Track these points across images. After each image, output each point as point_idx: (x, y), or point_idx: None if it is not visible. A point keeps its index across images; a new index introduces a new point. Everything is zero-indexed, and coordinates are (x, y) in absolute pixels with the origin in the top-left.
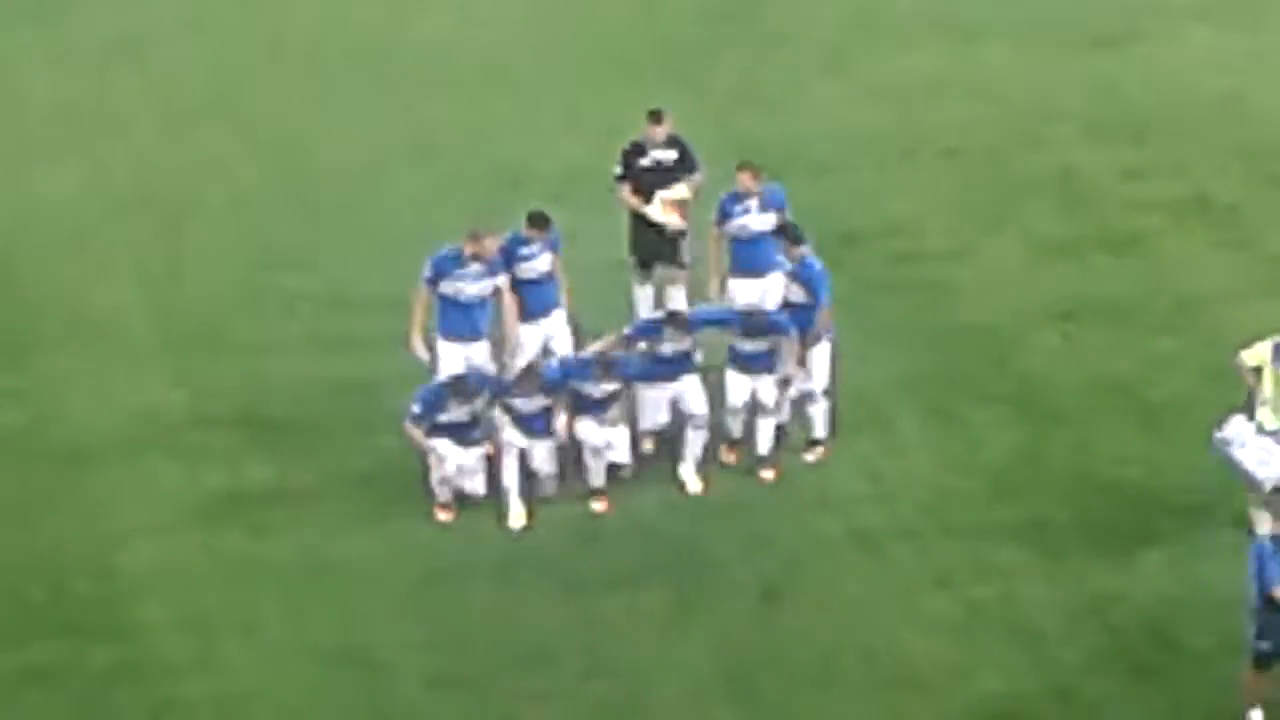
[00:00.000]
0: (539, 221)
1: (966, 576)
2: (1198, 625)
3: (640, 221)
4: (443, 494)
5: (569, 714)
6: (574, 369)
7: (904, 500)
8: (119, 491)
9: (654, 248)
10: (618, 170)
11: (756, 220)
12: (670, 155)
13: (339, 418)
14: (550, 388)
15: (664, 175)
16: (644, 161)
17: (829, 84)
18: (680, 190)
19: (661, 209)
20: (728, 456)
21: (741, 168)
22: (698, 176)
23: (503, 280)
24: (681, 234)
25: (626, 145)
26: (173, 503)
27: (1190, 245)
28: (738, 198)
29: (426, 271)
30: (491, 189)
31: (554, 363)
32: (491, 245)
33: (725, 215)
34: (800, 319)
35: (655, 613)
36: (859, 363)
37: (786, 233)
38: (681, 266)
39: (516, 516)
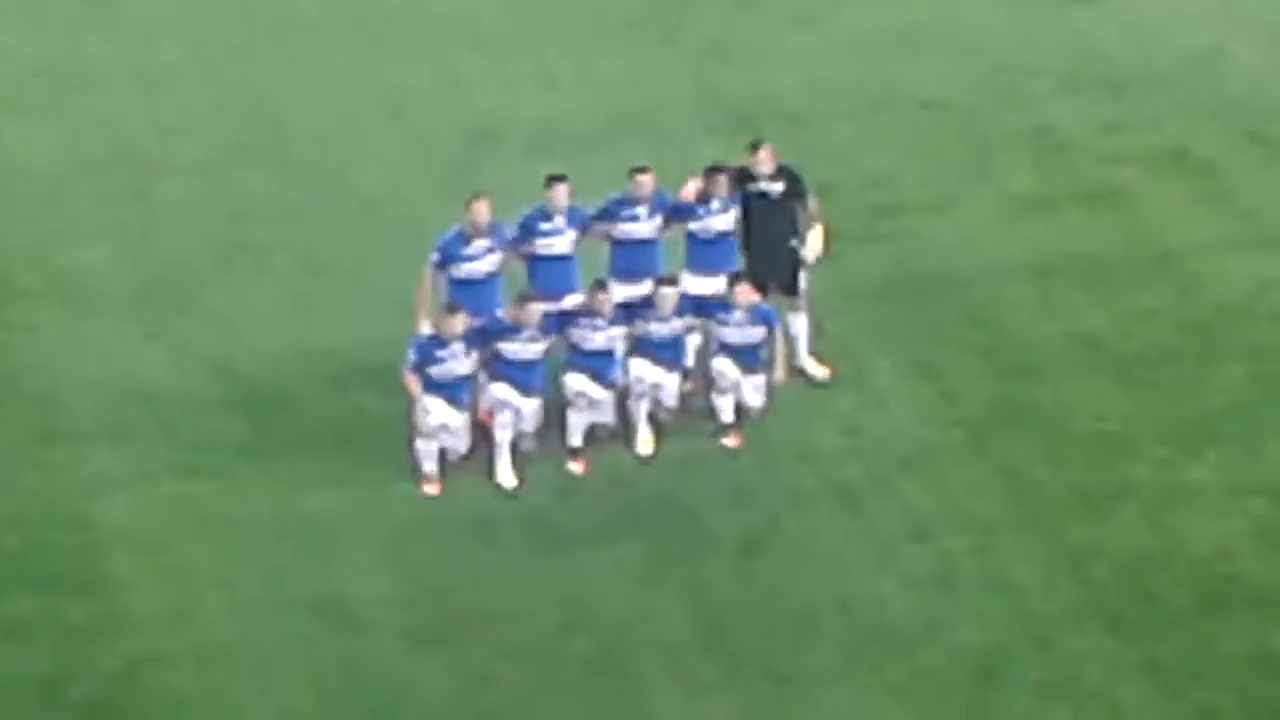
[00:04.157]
0: (560, 180)
1: (944, 529)
2: (1174, 578)
3: (759, 244)
4: (428, 466)
5: (547, 670)
6: (570, 317)
7: (881, 454)
8: (93, 444)
9: (770, 273)
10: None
11: (645, 226)
12: (777, 188)
13: (313, 375)
14: (547, 329)
15: (770, 207)
16: (751, 188)
17: (804, 37)
18: (816, 241)
19: (814, 250)
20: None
21: (642, 170)
22: (812, 204)
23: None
24: (801, 264)
25: (734, 169)
26: (147, 455)
27: (1167, 199)
28: (626, 202)
29: (433, 256)
30: (465, 145)
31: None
32: (481, 209)
33: (610, 217)
34: (733, 245)
35: (634, 567)
36: (836, 316)
37: (719, 171)
38: (797, 294)
39: (506, 476)
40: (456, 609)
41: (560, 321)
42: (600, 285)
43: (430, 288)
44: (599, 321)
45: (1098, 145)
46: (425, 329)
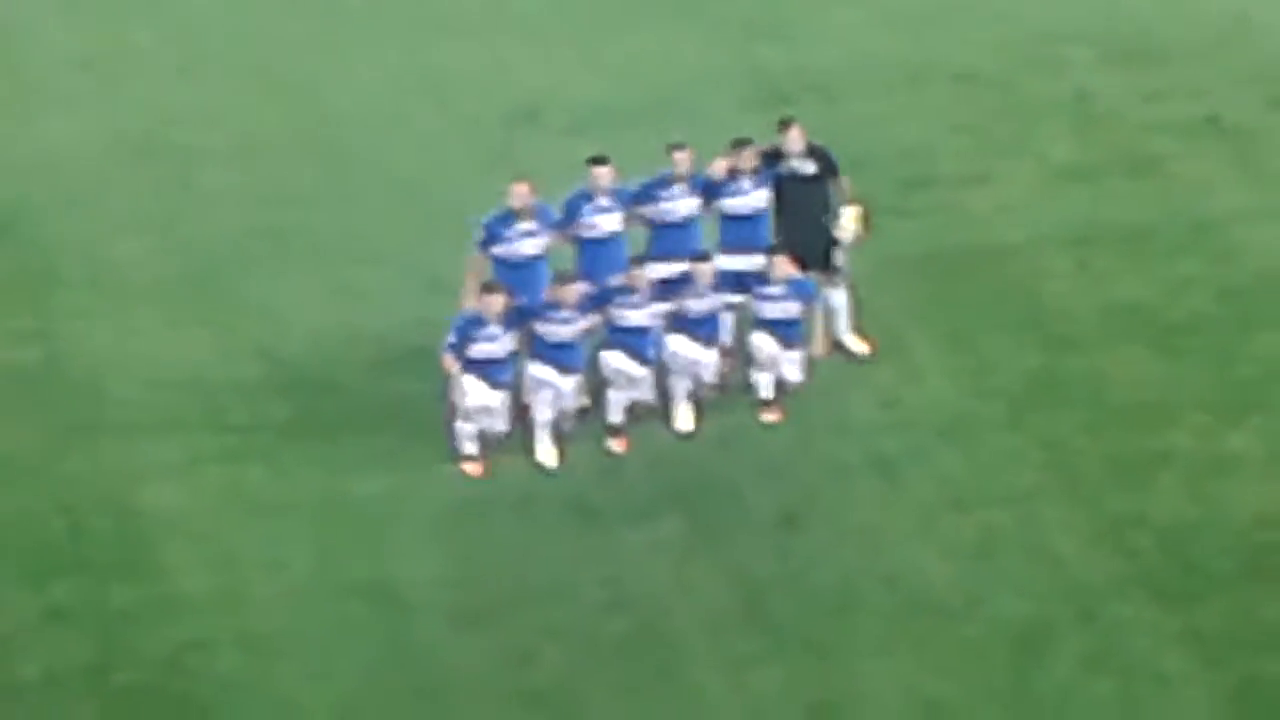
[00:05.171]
0: (601, 163)
1: (983, 500)
2: (1216, 547)
3: (792, 223)
4: (467, 447)
5: (589, 648)
6: (608, 294)
7: (921, 425)
8: (139, 430)
9: (804, 251)
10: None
11: (683, 205)
12: (808, 167)
13: (357, 358)
14: (585, 309)
15: (802, 186)
16: (782, 168)
17: (842, 10)
18: (849, 221)
19: (849, 230)
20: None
21: (679, 148)
22: (845, 184)
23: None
24: (836, 242)
25: (765, 147)
26: (193, 441)
27: (1206, 167)
28: (664, 182)
29: (478, 236)
30: (507, 127)
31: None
32: (519, 192)
33: (649, 198)
34: (766, 224)
35: (674, 544)
36: (874, 288)
37: (745, 143)
38: (833, 271)
39: (548, 455)
40: (499, 588)
41: (599, 299)
42: (636, 262)
43: (476, 274)
44: (636, 298)
45: (1136, 114)
46: (472, 307)
